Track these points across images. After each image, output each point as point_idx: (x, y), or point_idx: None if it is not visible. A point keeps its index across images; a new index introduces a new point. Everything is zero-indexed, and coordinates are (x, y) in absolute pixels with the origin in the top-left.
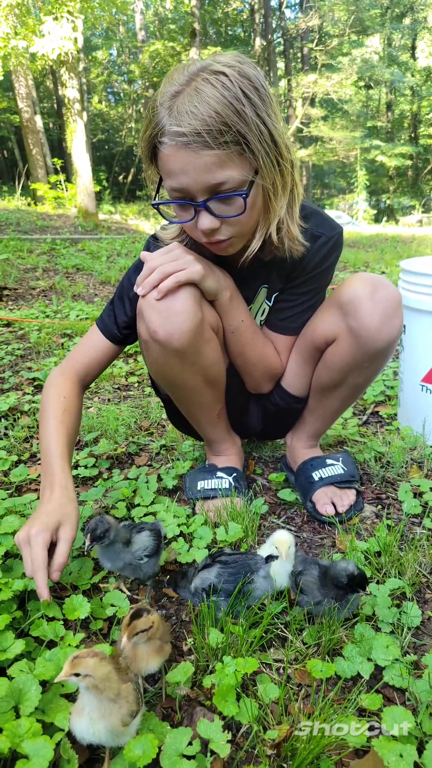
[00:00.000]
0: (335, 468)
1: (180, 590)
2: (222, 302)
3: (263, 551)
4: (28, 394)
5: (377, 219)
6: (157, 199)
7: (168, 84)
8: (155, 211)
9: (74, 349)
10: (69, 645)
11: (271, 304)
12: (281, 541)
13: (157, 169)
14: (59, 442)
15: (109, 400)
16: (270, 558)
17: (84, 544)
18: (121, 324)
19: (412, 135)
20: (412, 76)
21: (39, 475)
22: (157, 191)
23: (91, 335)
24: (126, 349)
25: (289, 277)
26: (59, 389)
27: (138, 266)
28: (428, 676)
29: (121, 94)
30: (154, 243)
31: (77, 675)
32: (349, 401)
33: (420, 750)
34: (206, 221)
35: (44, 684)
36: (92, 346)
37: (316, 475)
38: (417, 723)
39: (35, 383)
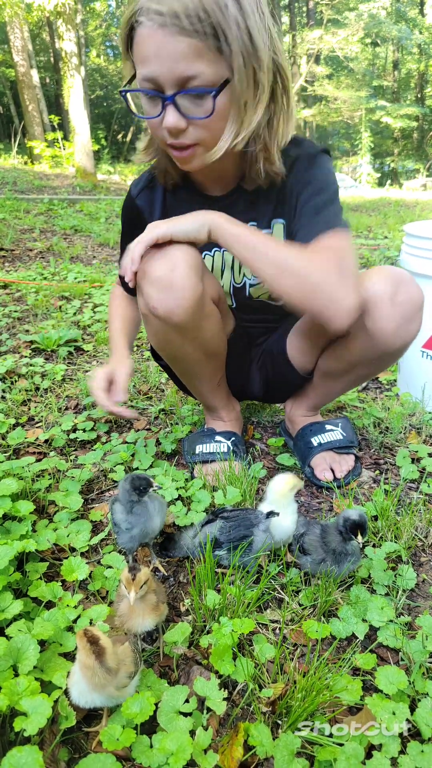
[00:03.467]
0: (334, 433)
1: (171, 552)
2: (214, 229)
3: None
4: (25, 357)
5: (381, 182)
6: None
7: None
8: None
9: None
10: (67, 606)
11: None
12: (282, 482)
13: (131, 61)
14: (122, 330)
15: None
16: (271, 514)
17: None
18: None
19: (419, 95)
20: (420, 33)
21: (37, 438)
22: (129, 83)
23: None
24: None
25: (283, 208)
26: (114, 296)
27: (122, 217)
28: (421, 636)
29: (121, 48)
30: (129, 196)
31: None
32: (353, 385)
33: (412, 708)
34: (171, 118)
35: (42, 643)
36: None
37: (315, 441)
38: (410, 682)
39: (32, 346)
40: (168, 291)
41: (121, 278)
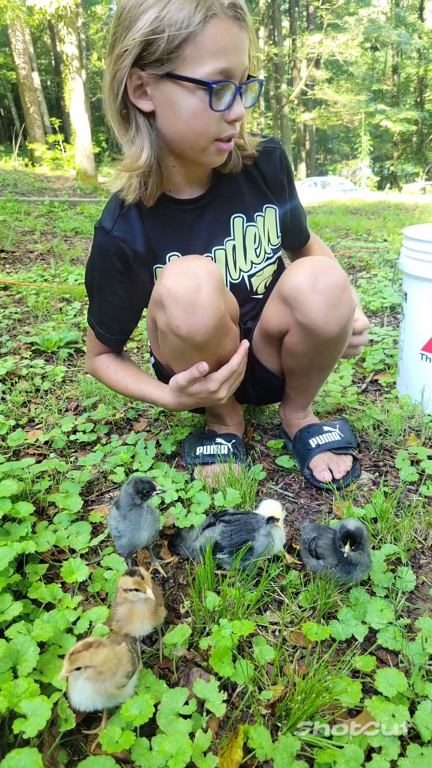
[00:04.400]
0: (332, 435)
1: (177, 548)
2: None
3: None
4: (25, 358)
5: (380, 186)
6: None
7: None
8: None
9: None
10: (67, 607)
11: (279, 232)
12: (276, 510)
13: (187, 56)
14: (140, 379)
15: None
16: (271, 519)
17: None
18: (114, 341)
19: (418, 100)
20: (420, 38)
21: (37, 439)
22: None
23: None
24: None
25: (270, 194)
26: (102, 366)
27: (93, 262)
28: (421, 639)
29: None
30: (104, 232)
31: (78, 669)
32: (323, 376)
33: (412, 710)
34: (240, 107)
35: (42, 645)
36: (99, 345)
37: (313, 442)
38: (409, 684)
39: (33, 348)
40: (192, 312)
41: (100, 333)
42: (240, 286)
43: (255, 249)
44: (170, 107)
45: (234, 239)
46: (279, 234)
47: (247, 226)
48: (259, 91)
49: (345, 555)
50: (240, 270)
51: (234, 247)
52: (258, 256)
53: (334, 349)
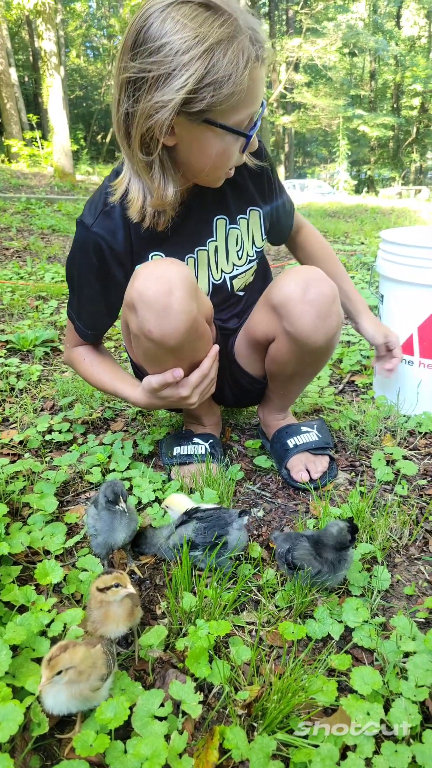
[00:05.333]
0: (310, 435)
1: (142, 548)
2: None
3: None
4: (0, 357)
5: (358, 190)
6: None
7: (209, 24)
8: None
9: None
10: (41, 610)
11: (263, 233)
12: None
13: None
14: (116, 375)
15: None
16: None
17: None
18: (91, 335)
19: (395, 105)
20: (397, 45)
21: (11, 439)
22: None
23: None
24: None
25: (255, 193)
26: (78, 357)
27: (73, 256)
28: (395, 636)
29: (101, 49)
30: (84, 227)
31: (59, 673)
32: (305, 383)
33: (387, 708)
34: (255, 140)
35: (15, 648)
36: (77, 337)
37: (290, 443)
38: (384, 682)
39: (8, 346)
40: (164, 315)
41: (79, 327)
42: (221, 286)
43: (237, 251)
44: (198, 145)
45: (216, 240)
46: (264, 237)
47: (229, 228)
48: (261, 112)
49: (334, 556)
50: (222, 271)
51: (216, 248)
52: (240, 259)
53: (318, 359)
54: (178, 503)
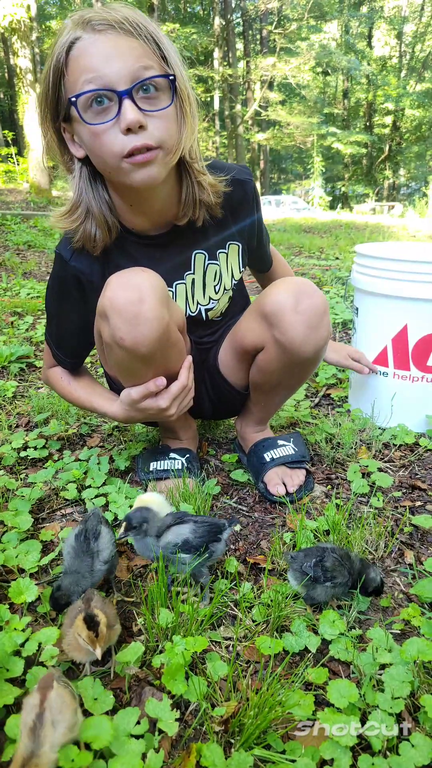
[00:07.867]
0: (286, 449)
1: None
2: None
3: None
4: None
5: (332, 206)
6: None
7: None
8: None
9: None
10: (15, 629)
11: (242, 266)
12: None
13: (64, 86)
14: (94, 391)
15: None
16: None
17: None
18: (69, 363)
19: (367, 123)
20: (368, 64)
21: None
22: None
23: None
24: None
25: (233, 226)
26: (55, 376)
27: (52, 287)
28: (372, 649)
29: None
30: (62, 260)
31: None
32: (287, 396)
33: (363, 721)
34: (131, 113)
35: None
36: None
37: (267, 456)
38: (361, 695)
39: None
40: (136, 323)
41: (57, 354)
42: (196, 317)
43: (215, 286)
44: (82, 141)
45: (194, 273)
46: (242, 268)
47: (208, 264)
48: (172, 88)
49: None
50: (198, 303)
51: (193, 280)
52: (217, 293)
53: (305, 369)
54: (150, 501)
